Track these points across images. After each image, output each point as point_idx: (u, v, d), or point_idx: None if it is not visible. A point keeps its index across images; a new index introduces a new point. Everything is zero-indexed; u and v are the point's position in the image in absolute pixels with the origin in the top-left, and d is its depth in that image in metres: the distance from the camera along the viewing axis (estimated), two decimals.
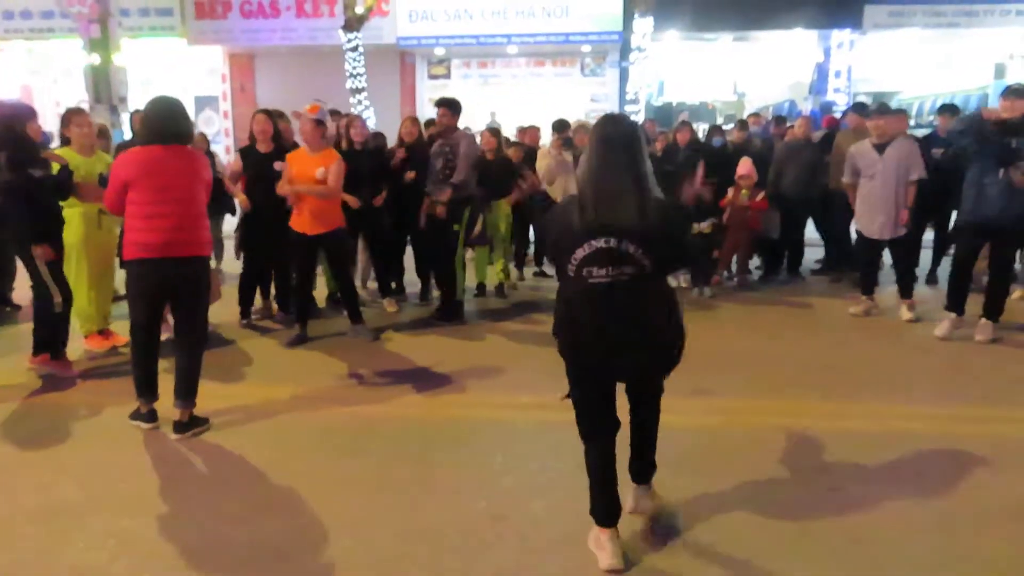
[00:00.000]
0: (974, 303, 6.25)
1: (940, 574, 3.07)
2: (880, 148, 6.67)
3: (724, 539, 3.32)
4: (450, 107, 6.95)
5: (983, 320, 6.13)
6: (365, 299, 7.71)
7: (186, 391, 4.41)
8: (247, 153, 6.50)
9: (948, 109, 8.29)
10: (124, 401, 4.75)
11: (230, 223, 8.04)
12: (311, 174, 5.94)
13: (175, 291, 4.37)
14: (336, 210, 6.14)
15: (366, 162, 6.95)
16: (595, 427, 3.17)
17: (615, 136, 2.99)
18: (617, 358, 3.02)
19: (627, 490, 3.38)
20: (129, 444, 4.34)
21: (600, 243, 2.89)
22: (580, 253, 2.92)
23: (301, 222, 6.03)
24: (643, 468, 3.42)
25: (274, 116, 6.69)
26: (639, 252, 2.88)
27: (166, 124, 4.34)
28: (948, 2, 15.43)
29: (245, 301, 6.76)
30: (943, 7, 15.50)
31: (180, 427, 4.39)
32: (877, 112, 6.96)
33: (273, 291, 7.07)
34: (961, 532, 3.36)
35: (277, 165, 6.23)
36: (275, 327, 6.79)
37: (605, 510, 3.16)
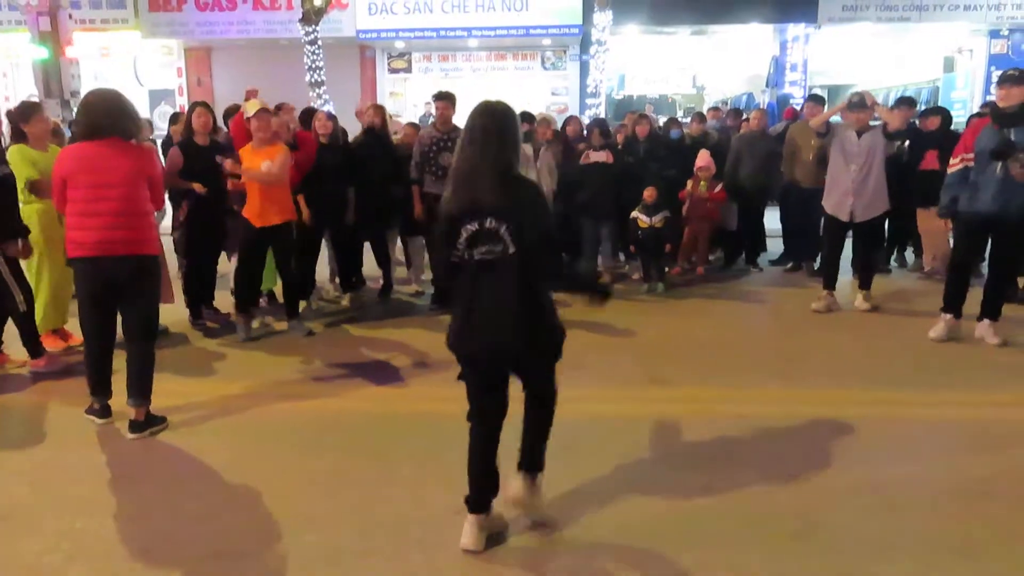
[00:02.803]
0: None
1: (892, 554, 3.15)
2: (859, 134, 6.79)
3: (682, 525, 3.37)
4: (450, 100, 7.00)
5: (985, 321, 5.90)
6: (331, 292, 7.67)
7: (139, 390, 4.34)
8: (186, 146, 6.36)
9: (906, 102, 8.47)
10: (79, 401, 4.67)
11: None
12: (257, 167, 5.92)
13: (118, 289, 4.28)
14: (286, 202, 6.10)
15: (331, 157, 6.91)
16: (480, 409, 3.28)
17: (478, 123, 3.09)
18: (484, 337, 3.12)
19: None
20: (84, 444, 4.27)
21: (472, 226, 3.01)
22: (463, 235, 3.03)
23: (251, 213, 6.01)
24: (531, 457, 3.36)
25: (210, 108, 6.55)
26: (503, 229, 2.99)
27: (100, 118, 4.23)
28: None
29: (195, 300, 6.63)
30: (894, 1, 15.80)
31: (136, 426, 4.33)
32: (857, 106, 6.95)
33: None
34: (911, 513, 3.45)
35: (220, 159, 6.25)
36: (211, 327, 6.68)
37: (474, 498, 3.23)
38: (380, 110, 7.48)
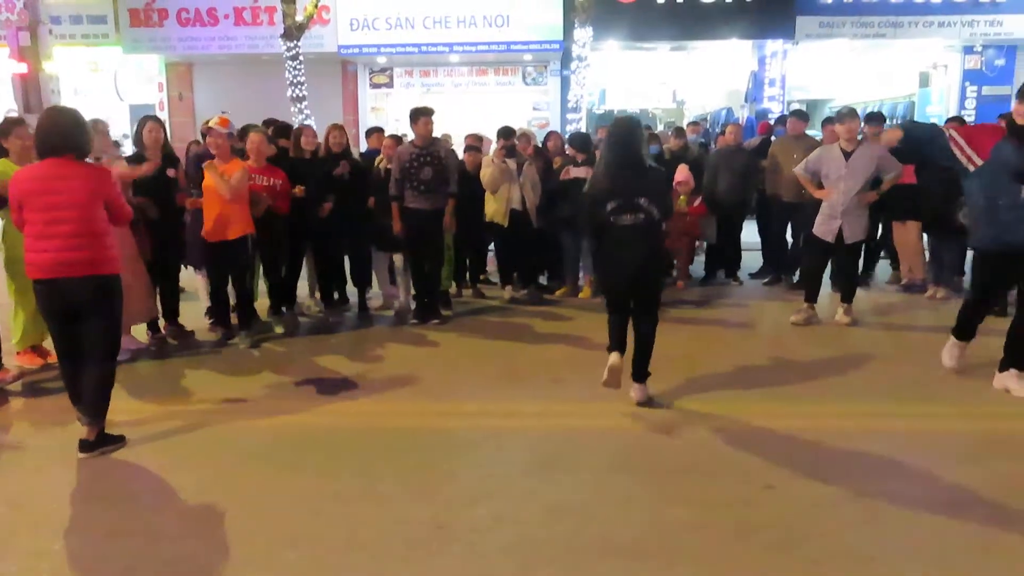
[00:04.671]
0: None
1: (872, 566, 3.18)
2: (847, 155, 6.71)
3: (665, 538, 3.39)
4: (431, 116, 7.08)
5: (1011, 371, 5.18)
6: (312, 308, 7.65)
7: (93, 409, 4.27)
8: (136, 161, 6.29)
9: (875, 118, 8.58)
10: (55, 419, 4.64)
11: None
12: (212, 183, 6.08)
13: (77, 309, 4.22)
14: (239, 219, 6.17)
15: (317, 171, 6.95)
16: (616, 308, 5.01)
17: (621, 133, 4.88)
18: (631, 274, 4.85)
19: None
20: (60, 463, 4.23)
21: (620, 200, 4.75)
22: (608, 207, 4.76)
23: (207, 230, 6.18)
24: (639, 371, 4.98)
25: (161, 123, 6.62)
26: (647, 204, 4.75)
27: (52, 137, 4.19)
28: (875, 13, 15.94)
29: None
30: (870, 18, 15.98)
31: (86, 445, 4.26)
32: (848, 116, 6.86)
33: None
34: (890, 525, 3.49)
35: (171, 172, 6.35)
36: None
37: (616, 345, 4.94)
38: (342, 131, 7.48)
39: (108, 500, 3.85)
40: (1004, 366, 5.24)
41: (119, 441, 4.39)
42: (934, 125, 5.74)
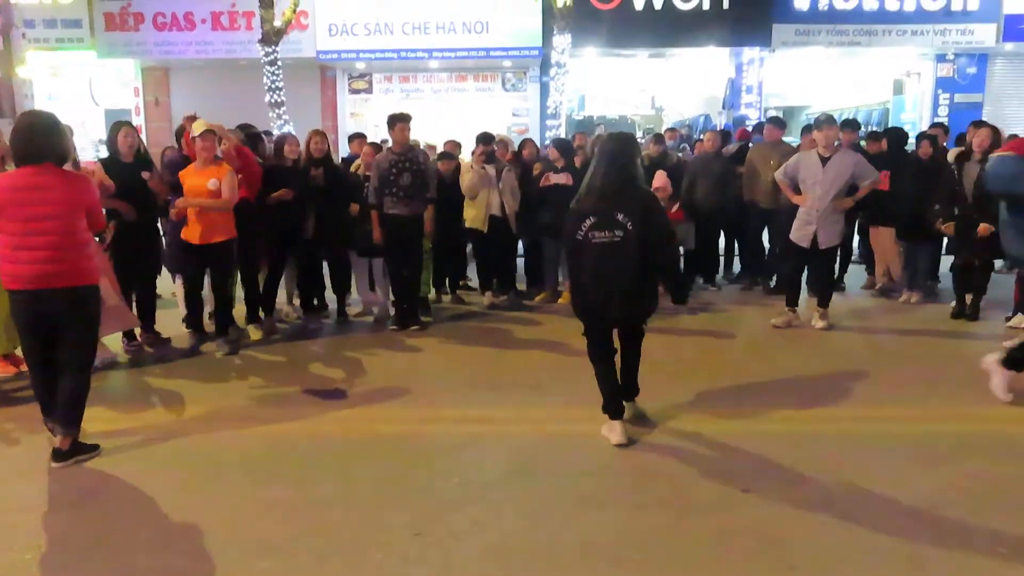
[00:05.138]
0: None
1: (845, 568, 3.22)
2: (824, 161, 6.78)
3: (641, 544, 3.40)
4: (408, 122, 7.07)
5: (1009, 372, 5.07)
6: (290, 314, 7.60)
7: (68, 419, 4.20)
8: (110, 164, 6.25)
9: (849, 124, 8.69)
10: (26, 428, 4.57)
11: None
12: (203, 186, 6.03)
13: (55, 320, 4.16)
14: (224, 222, 6.14)
15: (299, 179, 6.93)
16: (600, 353, 4.55)
17: (612, 149, 4.49)
18: (608, 301, 4.38)
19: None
20: (32, 473, 4.17)
21: (598, 217, 4.32)
22: (587, 224, 4.34)
23: (190, 233, 6.15)
24: (628, 391, 4.74)
25: (132, 127, 6.56)
26: (625, 219, 4.27)
27: (30, 143, 4.09)
28: (850, 22, 16.16)
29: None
30: (845, 26, 16.21)
31: (59, 455, 4.19)
32: (826, 123, 6.92)
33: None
34: (862, 527, 3.52)
35: (145, 175, 6.32)
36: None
37: (613, 409, 4.51)
38: (324, 137, 7.43)
39: (81, 510, 3.79)
40: (1007, 363, 5.08)
41: (93, 450, 4.33)
42: (1018, 159, 5.06)
